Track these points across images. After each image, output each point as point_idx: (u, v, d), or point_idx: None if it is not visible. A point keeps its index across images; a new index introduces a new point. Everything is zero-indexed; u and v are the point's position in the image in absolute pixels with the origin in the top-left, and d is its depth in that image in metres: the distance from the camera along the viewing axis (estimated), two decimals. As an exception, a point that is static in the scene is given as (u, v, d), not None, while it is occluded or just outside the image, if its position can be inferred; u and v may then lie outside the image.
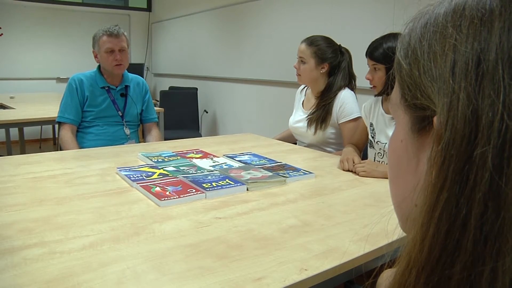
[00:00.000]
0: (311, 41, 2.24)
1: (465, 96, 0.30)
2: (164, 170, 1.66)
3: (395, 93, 0.40)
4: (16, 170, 1.66)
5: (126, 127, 2.57)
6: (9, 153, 3.86)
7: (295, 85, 2.82)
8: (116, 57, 2.44)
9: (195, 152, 2.04)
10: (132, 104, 2.60)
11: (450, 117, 0.30)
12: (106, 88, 2.52)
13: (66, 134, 2.42)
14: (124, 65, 2.51)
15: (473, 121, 0.29)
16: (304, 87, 2.50)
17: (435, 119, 0.33)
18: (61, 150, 2.38)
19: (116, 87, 2.55)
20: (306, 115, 2.32)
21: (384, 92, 1.88)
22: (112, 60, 2.44)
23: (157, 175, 1.58)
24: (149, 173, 1.60)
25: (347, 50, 2.29)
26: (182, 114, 5.42)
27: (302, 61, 2.25)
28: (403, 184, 0.41)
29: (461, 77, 0.30)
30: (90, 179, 1.57)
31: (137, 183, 1.47)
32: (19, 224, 1.13)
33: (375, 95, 1.96)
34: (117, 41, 2.44)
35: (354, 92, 2.27)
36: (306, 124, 2.31)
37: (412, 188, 0.37)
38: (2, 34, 5.92)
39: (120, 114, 2.56)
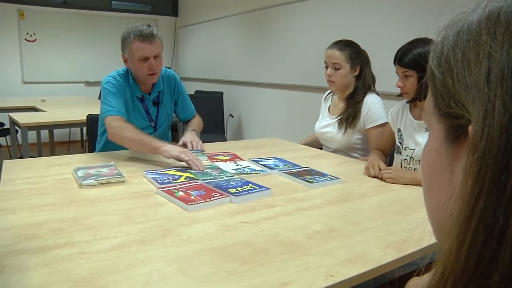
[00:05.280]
0: (344, 45, 2.22)
1: (501, 104, 0.29)
2: (190, 173, 1.67)
3: (428, 102, 0.40)
4: (47, 171, 1.70)
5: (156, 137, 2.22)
6: (39, 155, 3.96)
7: (321, 90, 2.82)
8: (151, 66, 2.10)
9: (225, 155, 2.05)
10: (164, 112, 2.36)
11: (486, 125, 0.30)
12: (141, 97, 2.25)
13: (118, 120, 2.03)
14: (158, 73, 2.20)
15: (509, 130, 0.28)
16: (330, 93, 2.48)
17: (470, 128, 0.32)
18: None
19: (149, 94, 2.28)
20: (334, 120, 2.31)
21: (416, 98, 1.82)
22: (146, 69, 2.11)
23: (184, 178, 1.60)
24: (175, 176, 1.62)
25: (365, 51, 2.29)
26: (207, 118, 5.40)
27: (336, 67, 2.21)
28: (438, 193, 0.40)
29: (497, 85, 0.30)
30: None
31: (161, 189, 1.46)
32: (50, 224, 1.16)
33: (407, 102, 1.91)
34: (152, 47, 2.09)
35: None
36: (333, 129, 2.29)
37: (447, 197, 0.36)
38: (36, 39, 6.10)
39: (153, 125, 2.32)
